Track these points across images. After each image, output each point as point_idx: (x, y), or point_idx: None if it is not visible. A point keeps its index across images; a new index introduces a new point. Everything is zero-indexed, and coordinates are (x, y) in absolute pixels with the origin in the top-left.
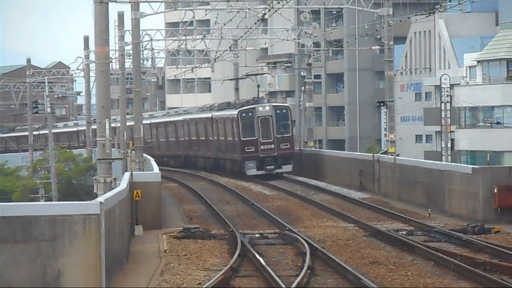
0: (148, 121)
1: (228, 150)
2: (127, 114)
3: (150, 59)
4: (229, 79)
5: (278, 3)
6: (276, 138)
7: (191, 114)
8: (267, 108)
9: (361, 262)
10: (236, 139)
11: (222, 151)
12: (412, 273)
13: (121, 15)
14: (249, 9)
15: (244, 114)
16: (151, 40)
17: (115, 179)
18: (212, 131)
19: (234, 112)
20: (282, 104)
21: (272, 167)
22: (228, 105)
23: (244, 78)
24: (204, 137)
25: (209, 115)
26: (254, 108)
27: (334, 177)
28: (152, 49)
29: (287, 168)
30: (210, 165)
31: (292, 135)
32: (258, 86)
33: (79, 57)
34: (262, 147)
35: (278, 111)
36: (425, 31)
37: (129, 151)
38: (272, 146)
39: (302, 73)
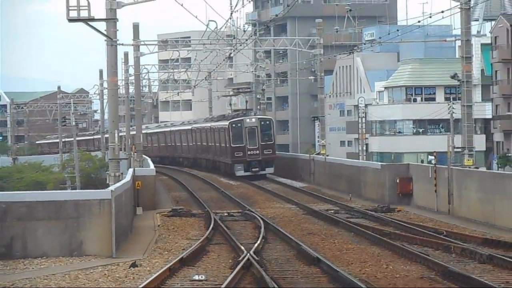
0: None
1: (221, 154)
2: (131, 126)
3: (147, 86)
4: (225, 95)
5: (240, 45)
6: (261, 145)
7: (175, 126)
8: (253, 120)
9: (301, 233)
10: (228, 145)
11: (206, 153)
12: (338, 241)
13: (126, 54)
14: (219, 50)
15: (234, 125)
16: (148, 72)
17: (122, 173)
18: (192, 139)
19: (226, 123)
20: (266, 117)
21: (257, 169)
22: (221, 117)
23: (236, 94)
24: (186, 143)
25: (189, 127)
26: (242, 120)
27: (281, 172)
28: (149, 79)
29: (270, 170)
30: (190, 163)
31: (274, 143)
32: (246, 101)
33: (96, 84)
34: (249, 152)
35: (262, 122)
36: (347, 66)
37: (132, 153)
38: (257, 151)
39: (258, 96)
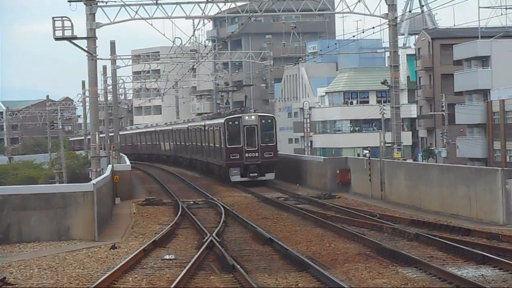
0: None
1: (215, 156)
2: (110, 128)
3: (123, 94)
4: (223, 91)
5: (202, 58)
6: (261, 147)
7: (149, 128)
8: (252, 117)
9: (256, 217)
10: (222, 146)
11: (200, 154)
12: (287, 223)
13: (104, 67)
14: (184, 62)
15: (230, 122)
16: (124, 82)
17: (102, 169)
18: (188, 138)
19: (222, 120)
20: (268, 114)
21: (255, 174)
22: (216, 115)
23: (235, 90)
24: (183, 142)
25: (170, 127)
26: (240, 117)
27: None
28: (124, 88)
29: (270, 176)
30: (186, 164)
31: (276, 145)
32: (246, 96)
33: (79, 93)
34: (246, 154)
35: (263, 121)
36: (293, 74)
37: (111, 151)
38: (256, 154)
39: (217, 101)
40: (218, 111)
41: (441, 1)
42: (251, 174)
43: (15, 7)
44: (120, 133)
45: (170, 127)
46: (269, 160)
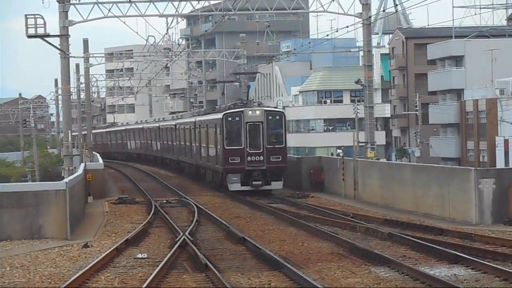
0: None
1: (209, 159)
2: (82, 127)
3: (96, 92)
4: (217, 82)
5: (176, 57)
6: (266, 149)
7: (121, 126)
8: (257, 112)
9: (229, 216)
10: (219, 147)
11: (189, 156)
12: (261, 222)
13: (77, 65)
14: (157, 60)
15: (230, 118)
16: (97, 80)
17: (75, 167)
18: (175, 137)
19: (219, 115)
20: (276, 109)
21: (260, 182)
22: (212, 110)
23: (233, 81)
24: (170, 141)
25: (172, 122)
26: (242, 112)
27: None
28: (97, 86)
29: (277, 185)
30: (174, 166)
31: (285, 146)
32: (248, 86)
33: (52, 91)
34: (249, 158)
35: (270, 117)
36: (267, 73)
37: (83, 150)
38: (261, 158)
39: (191, 100)
40: (218, 106)
41: (415, 1)
42: (254, 182)
43: None
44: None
45: (157, 124)
46: (277, 166)
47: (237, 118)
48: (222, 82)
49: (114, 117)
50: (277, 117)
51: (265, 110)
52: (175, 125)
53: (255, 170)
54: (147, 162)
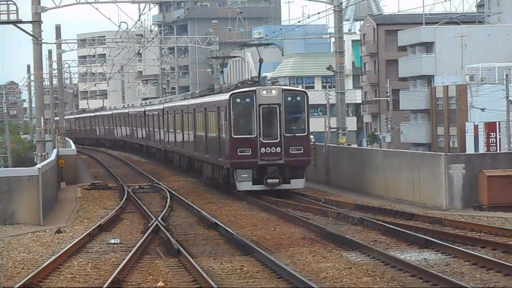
0: (68, 117)
1: (214, 152)
2: (55, 113)
3: (68, 79)
4: (215, 57)
5: (148, 43)
6: (285, 139)
7: (92, 112)
8: (273, 92)
9: (201, 202)
10: (224, 135)
11: (189, 148)
12: (233, 208)
13: (50, 51)
14: (130, 47)
15: (239, 99)
16: (69, 66)
17: (47, 153)
18: (166, 123)
19: (226, 96)
20: (296, 89)
21: (276, 181)
22: (218, 90)
23: (234, 56)
24: (158, 128)
25: (160, 106)
26: (254, 91)
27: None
28: (70, 72)
29: (298, 183)
30: (161, 156)
31: (308, 135)
32: (261, 60)
33: (24, 77)
34: (262, 150)
35: (289, 98)
36: (238, 60)
37: (56, 135)
38: (278, 149)
39: (163, 86)
40: (219, 85)
41: None
42: (269, 181)
43: None
44: (66, 117)
45: (142, 109)
46: (298, 160)
47: (248, 100)
48: (224, 57)
49: (87, 103)
50: (298, 98)
51: (283, 90)
52: (163, 109)
53: (270, 165)
54: (131, 151)
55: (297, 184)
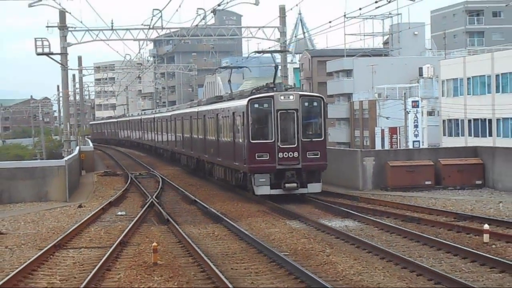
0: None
1: (231, 156)
2: (78, 120)
3: (87, 95)
4: (224, 67)
5: (146, 69)
6: (302, 143)
7: (112, 119)
8: (291, 98)
9: (185, 184)
10: (243, 140)
11: (206, 153)
12: (208, 189)
13: (74, 75)
14: (132, 72)
15: (257, 105)
16: (88, 86)
17: (72, 149)
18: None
19: (244, 102)
20: (314, 94)
21: (294, 185)
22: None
23: (262, 52)
24: (187, 134)
25: (139, 117)
26: (272, 97)
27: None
28: (88, 90)
29: (315, 187)
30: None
31: (325, 140)
32: (276, 67)
33: (55, 94)
34: (280, 155)
35: (307, 103)
36: (212, 82)
37: (78, 136)
38: (296, 154)
39: (157, 101)
40: (227, 93)
41: (318, 29)
42: (287, 185)
43: (7, 29)
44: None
45: (154, 116)
46: (315, 164)
47: (266, 105)
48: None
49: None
50: (315, 104)
51: (301, 95)
52: (170, 116)
53: (288, 170)
54: (141, 150)
55: (314, 188)
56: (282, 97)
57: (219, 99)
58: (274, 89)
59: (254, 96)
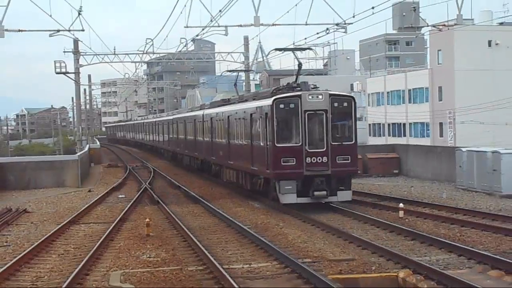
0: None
1: (252, 161)
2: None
3: (95, 104)
4: (232, 70)
5: (140, 84)
6: (332, 148)
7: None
8: (320, 98)
9: (171, 173)
10: (267, 143)
11: (225, 157)
12: (189, 177)
13: (85, 90)
14: (130, 87)
15: (282, 105)
16: (96, 98)
17: (83, 147)
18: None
19: (268, 101)
20: (344, 94)
21: (323, 193)
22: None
23: (231, 71)
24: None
25: (199, 113)
26: (299, 96)
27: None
28: (96, 101)
29: (345, 196)
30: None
31: (356, 144)
32: (300, 64)
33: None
34: (308, 160)
35: (336, 104)
36: (192, 95)
37: (88, 137)
38: (325, 159)
39: (149, 109)
40: (236, 96)
41: (273, 54)
42: (316, 193)
43: (33, 53)
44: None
45: (155, 119)
46: (346, 170)
47: (292, 105)
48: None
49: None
50: (345, 104)
51: (330, 95)
52: (172, 120)
53: (316, 176)
54: (141, 148)
55: (344, 196)
56: (310, 97)
57: (226, 102)
58: (298, 88)
59: (280, 96)
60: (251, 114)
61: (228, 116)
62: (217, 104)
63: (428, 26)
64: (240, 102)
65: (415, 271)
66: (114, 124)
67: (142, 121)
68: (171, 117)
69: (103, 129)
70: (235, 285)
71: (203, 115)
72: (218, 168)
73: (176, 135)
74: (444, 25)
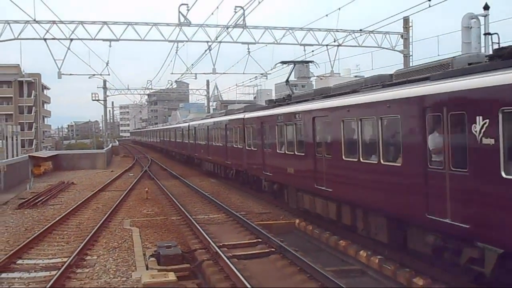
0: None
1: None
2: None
3: (116, 120)
4: (284, 62)
5: (144, 107)
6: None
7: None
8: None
9: (164, 161)
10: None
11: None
12: (175, 163)
13: (109, 110)
14: (137, 108)
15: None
16: (116, 116)
17: (109, 145)
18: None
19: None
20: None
21: None
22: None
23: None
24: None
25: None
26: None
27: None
28: (116, 117)
29: None
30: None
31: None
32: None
33: (100, 118)
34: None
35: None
36: (174, 114)
37: (112, 139)
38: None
39: (149, 123)
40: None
41: (225, 90)
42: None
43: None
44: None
45: (170, 125)
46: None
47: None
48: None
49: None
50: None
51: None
52: (188, 126)
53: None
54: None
55: None
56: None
57: (208, 117)
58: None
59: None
60: (225, 125)
61: (208, 126)
62: (222, 113)
63: (314, 76)
64: (212, 117)
65: (306, 219)
66: (136, 130)
67: (145, 129)
68: (166, 127)
69: (121, 134)
70: (199, 227)
71: (188, 125)
72: (199, 162)
73: (168, 138)
74: (324, 76)
